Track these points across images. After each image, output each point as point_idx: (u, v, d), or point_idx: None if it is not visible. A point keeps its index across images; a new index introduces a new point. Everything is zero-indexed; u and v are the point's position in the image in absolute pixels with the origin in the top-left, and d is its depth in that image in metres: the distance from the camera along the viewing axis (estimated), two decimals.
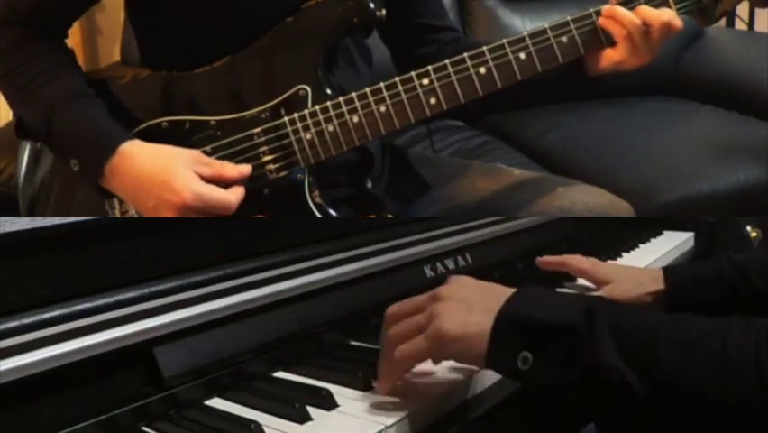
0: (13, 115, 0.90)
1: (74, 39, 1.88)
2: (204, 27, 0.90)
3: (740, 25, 2.54)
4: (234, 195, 0.83)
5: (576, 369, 0.60)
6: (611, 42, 0.89)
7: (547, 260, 1.11)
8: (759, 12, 2.53)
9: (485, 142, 1.73)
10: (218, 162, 0.85)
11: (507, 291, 0.67)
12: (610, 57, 0.90)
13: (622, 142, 1.63)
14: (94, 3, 0.93)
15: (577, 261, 1.09)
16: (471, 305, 0.67)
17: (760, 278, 0.92)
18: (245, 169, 0.86)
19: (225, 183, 0.84)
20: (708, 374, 0.56)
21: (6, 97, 0.89)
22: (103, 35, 1.98)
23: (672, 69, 1.98)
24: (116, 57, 1.76)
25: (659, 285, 0.98)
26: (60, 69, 0.88)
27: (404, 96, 0.86)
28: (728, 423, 0.56)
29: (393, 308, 0.73)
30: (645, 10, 0.87)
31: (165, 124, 0.88)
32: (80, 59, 1.88)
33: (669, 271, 1.00)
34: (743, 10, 2.54)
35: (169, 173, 0.81)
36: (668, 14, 0.87)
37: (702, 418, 0.57)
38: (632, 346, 0.59)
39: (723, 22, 2.57)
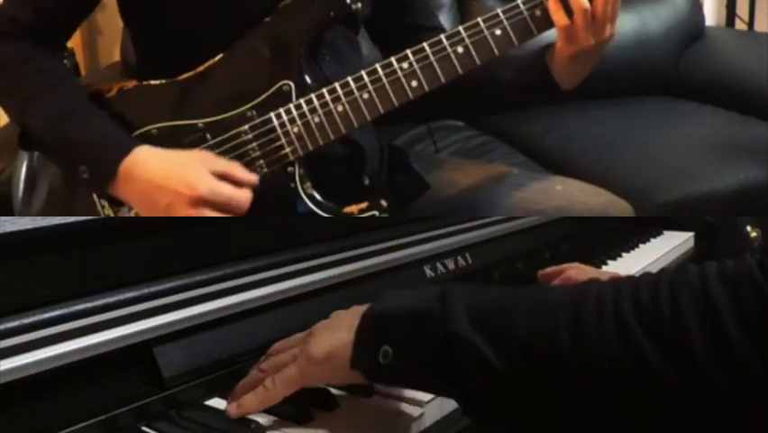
0: (19, 128, 0.90)
1: (74, 39, 1.87)
2: (186, 30, 0.90)
3: (740, 25, 2.54)
4: (246, 195, 0.84)
5: (430, 350, 0.59)
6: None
7: (549, 272, 1.08)
8: (759, 12, 2.53)
9: (485, 142, 1.73)
10: (227, 162, 0.86)
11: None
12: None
13: (622, 142, 1.63)
14: (93, 9, 0.94)
15: (580, 272, 1.05)
16: (338, 325, 0.67)
17: None
18: (253, 177, 0.86)
19: (235, 183, 0.84)
20: (567, 336, 0.54)
21: (8, 111, 0.90)
22: (103, 35, 1.98)
23: (672, 69, 1.98)
24: (116, 57, 1.76)
25: None
26: (63, 81, 0.88)
27: (385, 80, 0.87)
28: (592, 389, 0.54)
29: (276, 346, 0.73)
30: None
31: (154, 131, 0.89)
32: (80, 59, 1.88)
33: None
34: (743, 10, 2.54)
35: (182, 170, 0.82)
36: None
37: (564, 385, 0.55)
38: (485, 316, 0.58)
39: (723, 21, 2.57)
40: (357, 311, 0.68)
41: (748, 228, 1.60)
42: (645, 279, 0.56)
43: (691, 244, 1.49)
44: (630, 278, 0.57)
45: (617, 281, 0.57)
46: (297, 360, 0.67)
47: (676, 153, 1.57)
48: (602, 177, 1.35)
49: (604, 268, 1.23)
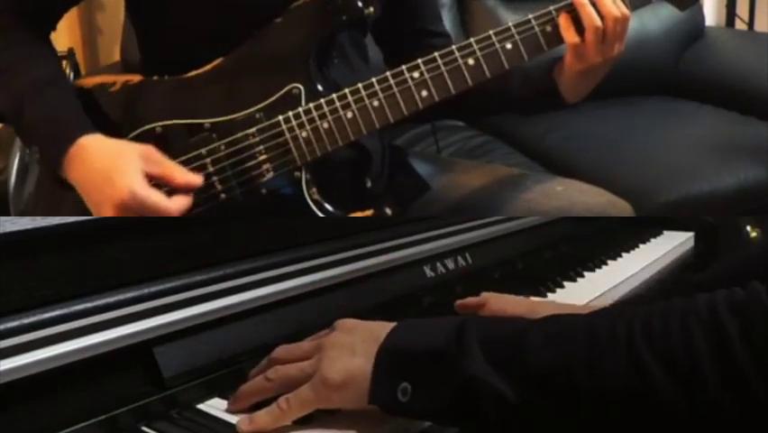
0: None
1: (74, 39, 1.88)
2: (194, 28, 0.90)
3: (740, 25, 2.54)
4: (176, 204, 0.81)
5: (449, 391, 0.60)
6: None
7: (467, 303, 0.92)
8: (759, 12, 2.53)
9: (485, 142, 1.74)
10: (169, 163, 0.83)
11: (389, 327, 0.67)
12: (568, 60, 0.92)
13: (622, 142, 1.63)
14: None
15: (507, 304, 0.91)
16: (354, 349, 0.66)
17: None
18: (194, 178, 0.84)
19: (172, 187, 0.82)
20: (580, 363, 0.56)
21: None
22: (103, 35, 1.98)
23: (672, 69, 1.98)
24: (116, 57, 1.76)
25: None
26: (36, 57, 0.87)
27: (396, 89, 0.87)
28: (607, 417, 0.55)
29: (281, 352, 0.71)
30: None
31: (159, 128, 0.89)
32: (80, 59, 1.88)
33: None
34: (743, 10, 2.54)
35: (114, 170, 0.80)
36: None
37: (581, 414, 0.56)
38: (501, 353, 0.59)
39: (723, 21, 2.57)
40: (373, 334, 0.67)
41: (748, 228, 1.60)
42: (656, 309, 0.56)
43: (691, 244, 1.48)
44: (641, 308, 0.58)
45: (629, 311, 0.58)
46: (312, 382, 0.65)
47: (676, 153, 1.57)
48: (602, 177, 1.35)
49: (604, 268, 1.23)
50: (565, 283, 1.13)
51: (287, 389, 0.67)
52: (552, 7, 0.89)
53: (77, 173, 0.82)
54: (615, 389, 0.54)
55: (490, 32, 0.88)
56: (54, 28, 0.93)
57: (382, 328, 0.67)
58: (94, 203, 0.81)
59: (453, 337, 0.62)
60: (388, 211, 0.91)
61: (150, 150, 0.83)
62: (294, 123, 0.87)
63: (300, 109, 0.87)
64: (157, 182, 0.81)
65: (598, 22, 0.88)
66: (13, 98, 0.85)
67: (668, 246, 1.40)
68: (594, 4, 0.88)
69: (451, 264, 1.08)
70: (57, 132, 0.83)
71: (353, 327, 0.70)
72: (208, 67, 0.89)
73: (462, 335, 0.61)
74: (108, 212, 0.79)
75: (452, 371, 0.60)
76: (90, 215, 0.88)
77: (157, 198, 0.80)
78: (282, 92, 0.88)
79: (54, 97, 0.86)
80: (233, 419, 0.68)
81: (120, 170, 0.79)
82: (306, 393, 0.65)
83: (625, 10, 0.89)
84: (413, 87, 0.87)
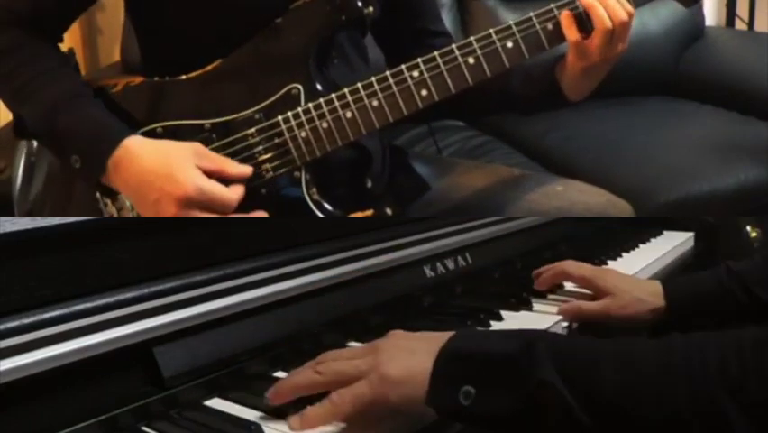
0: (13, 115, 0.90)
1: (74, 39, 1.88)
2: (194, 29, 0.90)
3: (740, 25, 2.54)
4: (235, 193, 0.84)
5: (517, 397, 0.59)
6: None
7: (543, 271, 1.07)
8: (759, 12, 2.53)
9: (485, 142, 1.74)
10: (220, 157, 0.86)
11: (447, 334, 0.66)
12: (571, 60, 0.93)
13: (622, 142, 1.63)
14: (90, 4, 0.94)
15: (576, 267, 1.05)
16: (414, 349, 0.65)
17: (759, 287, 0.91)
18: (246, 169, 0.86)
19: (226, 180, 0.84)
20: (654, 397, 0.55)
21: (3, 99, 0.89)
22: (103, 35, 1.98)
23: (672, 69, 1.98)
24: (116, 57, 1.76)
25: (659, 300, 0.96)
26: (59, 69, 0.88)
27: (395, 89, 0.87)
28: None
29: (331, 353, 0.70)
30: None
31: (159, 129, 0.89)
32: (80, 59, 1.88)
33: (668, 284, 0.98)
34: (743, 10, 2.54)
35: (171, 167, 0.81)
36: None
37: None
38: (572, 370, 0.58)
39: (723, 21, 2.57)
40: (431, 338, 0.66)
41: (748, 228, 1.60)
42: (729, 341, 0.55)
43: (691, 244, 1.48)
44: (714, 341, 0.56)
45: (701, 340, 0.57)
46: (369, 377, 0.64)
47: (676, 153, 1.57)
48: (602, 177, 1.35)
49: (604, 268, 1.23)
50: (566, 283, 1.13)
51: (338, 385, 0.65)
52: (553, 5, 0.89)
53: (124, 175, 0.82)
54: (685, 420, 0.53)
55: (491, 30, 0.88)
56: (62, 39, 0.93)
57: (440, 334, 0.66)
58: (151, 202, 0.82)
59: (524, 347, 0.61)
60: (389, 211, 0.91)
61: (199, 147, 0.85)
62: (293, 123, 0.87)
63: (300, 109, 0.87)
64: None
65: (609, 24, 0.88)
66: (44, 109, 0.84)
67: (668, 246, 1.41)
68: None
69: (451, 264, 1.08)
70: (99, 137, 0.83)
71: (408, 334, 0.69)
72: (208, 67, 0.89)
73: (534, 345, 0.60)
74: (169, 209, 0.81)
75: (522, 377, 0.59)
76: (97, 214, 0.88)
77: (220, 189, 0.83)
78: (282, 92, 0.88)
79: (88, 105, 0.86)
80: (234, 417, 0.69)
81: (179, 167, 0.81)
82: (361, 388, 0.63)
83: (630, 9, 0.89)
84: (412, 87, 0.87)
